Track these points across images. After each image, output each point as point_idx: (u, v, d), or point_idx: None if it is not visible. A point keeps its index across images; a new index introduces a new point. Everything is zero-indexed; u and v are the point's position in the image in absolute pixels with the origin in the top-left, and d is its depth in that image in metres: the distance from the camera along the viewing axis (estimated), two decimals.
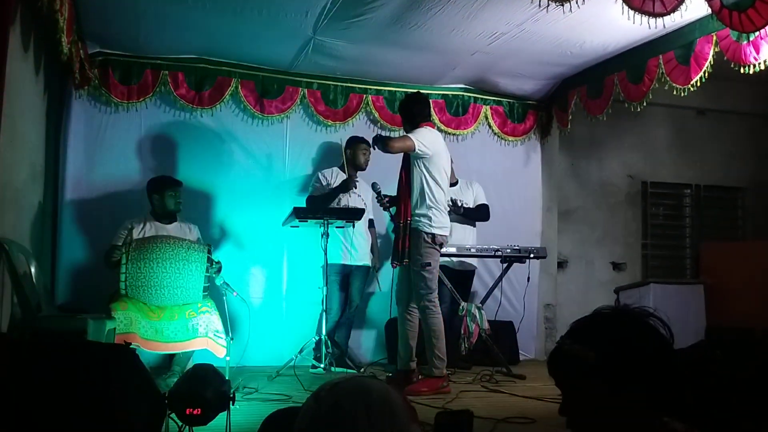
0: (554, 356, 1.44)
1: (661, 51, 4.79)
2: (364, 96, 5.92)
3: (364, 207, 5.16)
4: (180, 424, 2.58)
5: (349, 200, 5.22)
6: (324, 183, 5.32)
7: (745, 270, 5.90)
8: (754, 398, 2.51)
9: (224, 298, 4.46)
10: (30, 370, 2.37)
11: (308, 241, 5.42)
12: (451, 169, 5.34)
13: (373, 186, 4.69)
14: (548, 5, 3.57)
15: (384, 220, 5.51)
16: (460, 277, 5.43)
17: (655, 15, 3.66)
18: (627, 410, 1.34)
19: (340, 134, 5.72)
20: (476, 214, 5.63)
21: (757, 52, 4.08)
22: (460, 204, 5.39)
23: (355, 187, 5.25)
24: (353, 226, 5.11)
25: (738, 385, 2.55)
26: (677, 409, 1.35)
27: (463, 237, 5.52)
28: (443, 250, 5.07)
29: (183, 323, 4.30)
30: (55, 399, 2.31)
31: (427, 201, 4.34)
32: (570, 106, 5.91)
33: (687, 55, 4.58)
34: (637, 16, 3.66)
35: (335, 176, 5.36)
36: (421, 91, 5.97)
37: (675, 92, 4.73)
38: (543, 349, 6.45)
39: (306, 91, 5.76)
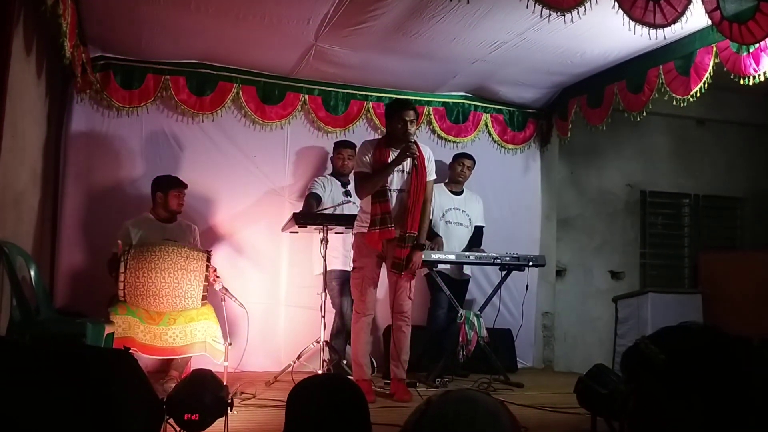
0: (629, 353, 1.50)
1: (662, 61, 4.82)
2: (365, 103, 5.93)
3: None
4: (178, 429, 2.59)
5: (344, 208, 5.21)
6: (321, 188, 5.33)
7: (743, 280, 5.91)
8: (753, 408, 2.51)
9: (223, 303, 4.46)
10: (28, 373, 2.37)
11: (307, 246, 5.43)
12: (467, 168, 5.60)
13: None
14: (549, 15, 3.58)
15: None
16: (456, 285, 5.43)
17: (656, 26, 3.67)
18: (680, 421, 1.38)
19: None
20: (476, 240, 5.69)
21: (757, 64, 4.11)
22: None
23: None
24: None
25: (736, 394, 2.55)
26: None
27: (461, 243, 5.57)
28: (443, 257, 5.10)
29: (181, 328, 4.29)
30: (53, 403, 2.31)
31: None
32: (570, 114, 5.93)
33: (687, 66, 4.61)
34: (638, 27, 3.68)
35: (330, 184, 5.38)
36: (422, 98, 6.05)
37: (675, 102, 4.75)
38: (541, 357, 6.46)
39: (307, 97, 5.78)
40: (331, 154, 5.53)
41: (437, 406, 1.26)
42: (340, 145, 5.46)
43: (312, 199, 5.24)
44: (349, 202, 5.24)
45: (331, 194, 5.32)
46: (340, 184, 5.38)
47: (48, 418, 2.28)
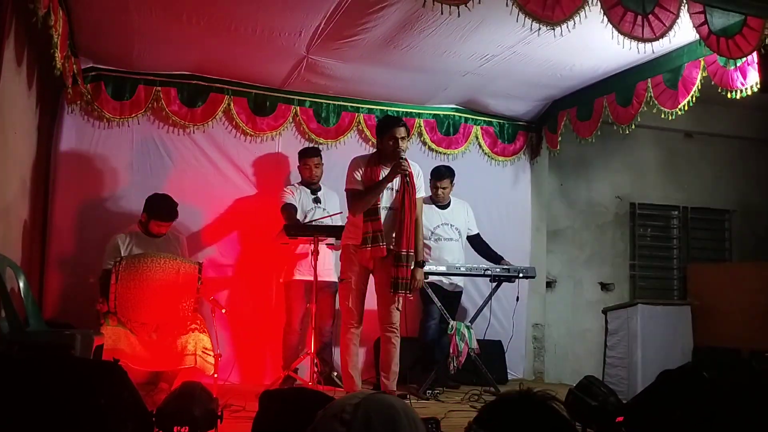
0: None
1: (650, 75, 4.86)
2: (356, 115, 5.95)
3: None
4: None
5: (315, 214, 5.21)
6: (291, 196, 5.29)
7: (731, 291, 5.95)
8: (743, 420, 2.52)
9: (213, 315, 4.44)
10: (17, 385, 2.35)
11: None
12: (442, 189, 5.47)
13: None
14: (539, 28, 3.62)
15: None
16: (449, 297, 5.42)
17: (645, 40, 3.71)
18: None
19: (332, 152, 5.74)
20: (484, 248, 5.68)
21: (744, 78, 4.16)
22: None
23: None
24: None
25: (726, 406, 2.56)
26: None
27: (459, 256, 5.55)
28: (434, 269, 5.10)
29: (171, 340, 4.28)
30: (41, 415, 2.29)
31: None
32: (560, 127, 5.97)
33: (675, 80, 4.65)
34: (627, 41, 3.71)
35: (300, 192, 5.33)
36: (413, 110, 6.08)
37: (663, 115, 4.79)
38: (531, 368, 6.47)
39: (298, 108, 5.79)
40: (297, 164, 5.47)
41: (358, 426, 1.19)
42: (305, 154, 5.40)
43: (290, 209, 5.21)
44: (324, 211, 5.22)
45: (301, 202, 5.29)
46: (309, 191, 5.35)
47: (37, 430, 2.26)
